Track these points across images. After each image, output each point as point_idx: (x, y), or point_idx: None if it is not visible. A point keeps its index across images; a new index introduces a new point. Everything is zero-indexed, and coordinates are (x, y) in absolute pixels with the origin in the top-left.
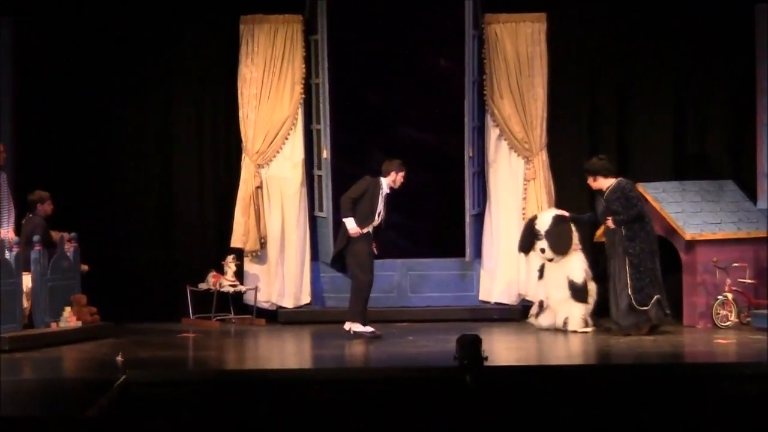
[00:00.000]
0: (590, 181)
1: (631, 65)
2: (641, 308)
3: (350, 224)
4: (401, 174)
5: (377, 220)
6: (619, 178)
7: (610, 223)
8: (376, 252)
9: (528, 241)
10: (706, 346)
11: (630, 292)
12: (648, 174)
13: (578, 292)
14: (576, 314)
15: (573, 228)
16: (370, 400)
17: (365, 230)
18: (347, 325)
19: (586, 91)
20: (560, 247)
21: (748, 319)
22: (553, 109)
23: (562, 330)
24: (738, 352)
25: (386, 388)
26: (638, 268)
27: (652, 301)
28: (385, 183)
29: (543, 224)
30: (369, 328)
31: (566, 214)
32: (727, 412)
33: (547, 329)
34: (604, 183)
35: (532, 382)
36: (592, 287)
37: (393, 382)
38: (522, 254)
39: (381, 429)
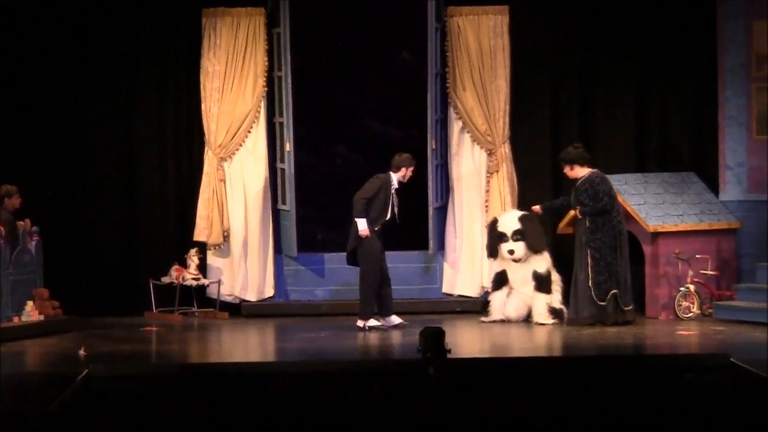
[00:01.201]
0: (567, 170)
1: (593, 58)
2: (599, 302)
3: (362, 225)
4: (411, 168)
5: (390, 217)
6: (593, 170)
7: (577, 212)
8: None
9: (495, 245)
10: (669, 338)
11: (590, 284)
12: (610, 166)
13: (542, 283)
14: (541, 305)
15: (539, 225)
16: (333, 392)
17: (376, 228)
18: (360, 323)
19: (548, 84)
20: (538, 245)
21: (710, 310)
22: (515, 101)
23: (529, 322)
24: (700, 343)
25: (349, 380)
26: (599, 261)
27: (609, 296)
28: (395, 178)
29: (508, 226)
30: (395, 319)
31: (537, 209)
32: (688, 403)
33: (516, 321)
34: (580, 172)
35: (495, 374)
36: (556, 277)
37: (356, 374)
38: (491, 259)
39: (344, 422)
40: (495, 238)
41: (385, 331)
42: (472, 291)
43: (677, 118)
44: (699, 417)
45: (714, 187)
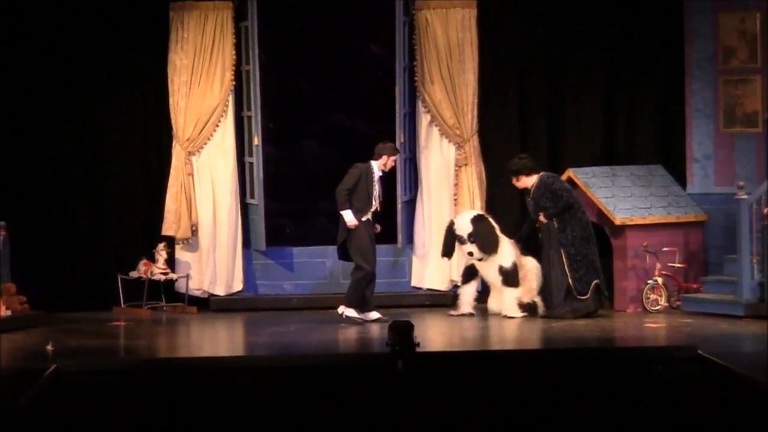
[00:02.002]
0: (514, 181)
1: (561, 51)
2: (581, 297)
3: (348, 216)
4: (393, 158)
5: (375, 205)
6: (540, 174)
7: (542, 218)
8: (377, 230)
9: (450, 246)
10: (637, 331)
11: (570, 282)
12: (579, 159)
13: (508, 277)
14: (509, 299)
15: (493, 222)
16: (301, 386)
17: (364, 218)
18: (341, 309)
19: (516, 77)
20: (490, 247)
21: (678, 303)
22: (483, 94)
23: (500, 315)
24: (668, 335)
25: (318, 374)
26: (575, 257)
27: (591, 287)
28: (376, 166)
29: (463, 228)
30: (374, 314)
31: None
32: (657, 395)
33: (496, 314)
34: (527, 181)
35: (463, 367)
36: (532, 265)
37: (325, 368)
38: (446, 258)
39: (313, 415)
40: (452, 240)
41: (360, 325)
42: (441, 284)
43: (645, 111)
44: (667, 409)
45: (681, 179)
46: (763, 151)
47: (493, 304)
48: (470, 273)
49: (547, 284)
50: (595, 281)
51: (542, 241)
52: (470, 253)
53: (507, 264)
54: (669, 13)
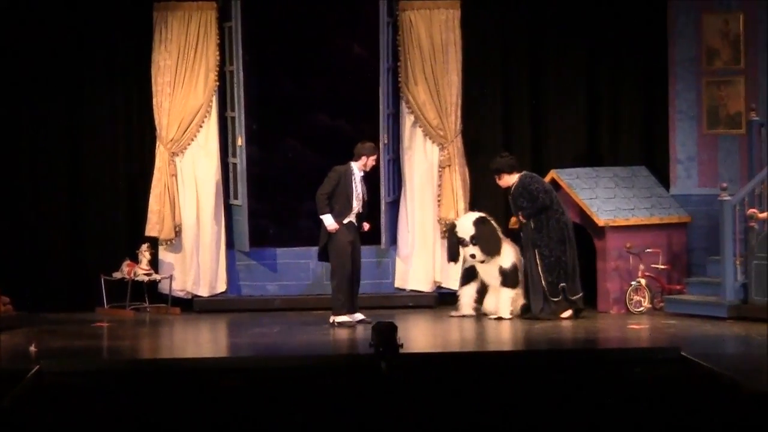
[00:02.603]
0: (497, 179)
1: (544, 52)
2: (554, 299)
3: (328, 221)
4: (372, 158)
5: (357, 206)
6: (521, 173)
7: (520, 217)
8: (366, 228)
9: (455, 249)
10: (620, 332)
11: (543, 284)
12: (562, 160)
13: (507, 278)
14: (504, 300)
15: (495, 225)
16: (285, 387)
17: (346, 221)
18: (331, 318)
19: (500, 78)
20: (493, 249)
21: (661, 304)
22: (467, 95)
23: (494, 316)
24: (651, 337)
25: (302, 375)
26: (549, 258)
27: (559, 290)
28: (356, 167)
29: (465, 230)
30: (358, 315)
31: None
32: (639, 396)
33: (491, 315)
34: (509, 180)
35: (447, 369)
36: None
37: (308, 369)
38: (452, 263)
39: (296, 416)
40: (455, 243)
41: (352, 328)
42: (425, 286)
43: (628, 112)
44: (650, 410)
45: (665, 181)
46: (746, 153)
47: (489, 305)
48: (470, 274)
49: (531, 286)
50: (562, 284)
51: (522, 245)
52: (473, 256)
53: (507, 265)
54: (652, 14)
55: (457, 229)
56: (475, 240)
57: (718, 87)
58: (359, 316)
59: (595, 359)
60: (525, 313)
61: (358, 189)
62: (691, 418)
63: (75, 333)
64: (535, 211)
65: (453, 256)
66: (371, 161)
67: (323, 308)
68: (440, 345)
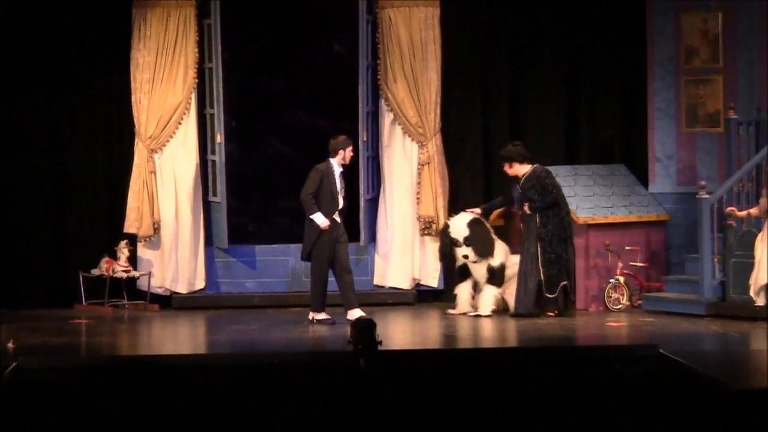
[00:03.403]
0: (506, 167)
1: (524, 51)
2: (549, 295)
3: (319, 219)
4: (349, 149)
5: (341, 203)
6: (534, 165)
7: (526, 209)
8: (339, 220)
9: (447, 250)
10: (598, 329)
11: (541, 278)
12: (541, 158)
13: (494, 276)
14: (487, 297)
15: (488, 225)
16: (263, 385)
17: (333, 218)
18: (311, 315)
19: (479, 76)
20: (486, 251)
21: (640, 302)
22: (446, 93)
23: (473, 313)
24: (629, 334)
25: (280, 372)
26: (550, 254)
27: (559, 287)
28: (336, 163)
29: (459, 231)
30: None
31: (478, 211)
32: (617, 394)
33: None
34: (520, 170)
35: (426, 366)
36: (512, 271)
37: (287, 366)
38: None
39: (275, 414)
40: (447, 244)
41: (331, 325)
42: (404, 283)
43: (607, 110)
44: (628, 407)
45: (643, 179)
46: (724, 151)
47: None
48: (464, 271)
49: (524, 281)
50: (564, 283)
51: (523, 232)
52: (465, 256)
53: (495, 263)
54: (631, 12)
55: (450, 229)
56: (468, 241)
57: (697, 86)
58: (358, 312)
59: (574, 357)
60: (508, 310)
61: (339, 185)
62: (669, 415)
63: (53, 330)
64: (545, 206)
65: (444, 257)
66: (349, 152)
67: (302, 305)
68: (419, 342)
